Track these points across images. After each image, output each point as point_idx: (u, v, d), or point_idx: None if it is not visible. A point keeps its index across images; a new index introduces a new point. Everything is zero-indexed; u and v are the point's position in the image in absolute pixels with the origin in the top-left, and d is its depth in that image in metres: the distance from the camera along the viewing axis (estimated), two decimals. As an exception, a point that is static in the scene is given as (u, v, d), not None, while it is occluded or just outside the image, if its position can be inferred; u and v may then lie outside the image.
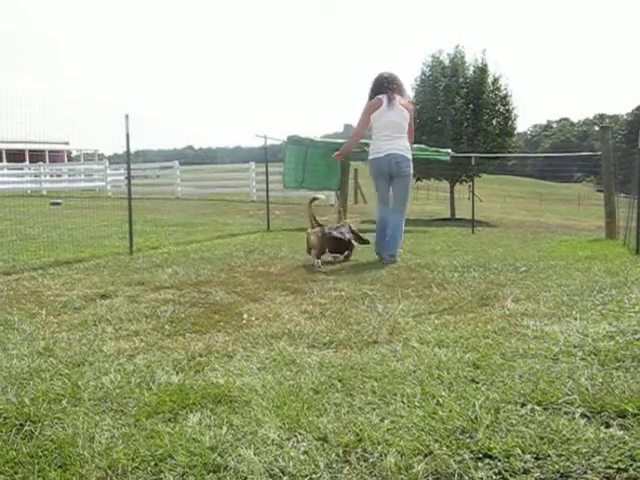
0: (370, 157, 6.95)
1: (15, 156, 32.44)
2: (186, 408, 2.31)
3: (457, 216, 21.69)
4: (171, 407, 2.32)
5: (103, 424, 2.18)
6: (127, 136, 7.86)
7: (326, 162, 13.40)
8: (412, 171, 6.84)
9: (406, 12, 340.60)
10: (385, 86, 6.81)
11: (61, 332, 3.56)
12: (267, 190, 13.07)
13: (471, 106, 23.23)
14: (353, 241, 6.90)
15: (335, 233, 6.71)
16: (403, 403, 2.27)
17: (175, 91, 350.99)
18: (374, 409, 2.24)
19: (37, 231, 10.11)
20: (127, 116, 7.79)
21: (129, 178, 8.43)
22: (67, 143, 35.33)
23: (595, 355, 2.80)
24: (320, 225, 6.90)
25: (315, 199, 7.41)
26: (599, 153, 12.59)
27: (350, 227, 7.04)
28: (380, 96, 6.77)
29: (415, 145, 12.56)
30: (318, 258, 6.33)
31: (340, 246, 6.78)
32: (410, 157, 6.75)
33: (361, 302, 4.25)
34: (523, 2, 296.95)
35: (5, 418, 2.25)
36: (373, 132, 6.92)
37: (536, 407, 2.20)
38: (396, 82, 6.88)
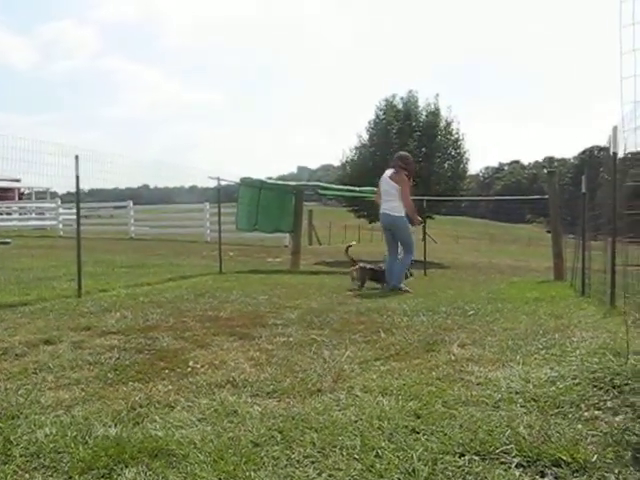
0: None
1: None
2: (122, 463, 2.25)
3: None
4: (106, 462, 2.26)
5: (33, 482, 2.12)
6: (77, 177, 7.75)
7: (279, 204, 13.48)
8: (400, 223, 8.79)
9: (356, 61, 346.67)
10: (391, 163, 9.10)
11: (-2, 382, 3.46)
12: (219, 232, 13.01)
13: (424, 149, 23.63)
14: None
15: (371, 266, 9.12)
16: (342, 456, 2.25)
17: (130, 128, 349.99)
18: (312, 462, 2.22)
19: (-19, 273, 9.87)
20: (77, 157, 7.69)
21: (78, 218, 8.31)
22: (18, 180, 34.79)
23: (535, 402, 2.83)
24: (356, 262, 9.11)
25: (350, 246, 9.88)
26: (547, 196, 12.88)
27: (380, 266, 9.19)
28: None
29: (368, 188, 12.78)
30: (362, 285, 8.73)
31: (376, 275, 8.97)
32: (393, 213, 8.75)
33: (308, 348, 4.23)
34: (475, 45, 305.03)
35: None
36: None
37: (474, 457, 2.21)
38: (397, 159, 8.94)
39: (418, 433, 2.46)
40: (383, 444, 2.34)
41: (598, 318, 5.26)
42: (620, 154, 5.82)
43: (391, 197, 8.75)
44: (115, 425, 2.68)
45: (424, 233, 15.82)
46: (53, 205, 27.39)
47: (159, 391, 3.25)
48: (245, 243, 20.08)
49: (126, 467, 2.22)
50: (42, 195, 33.34)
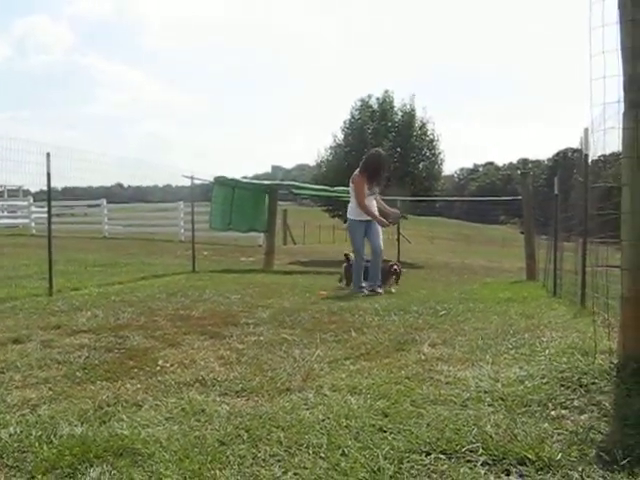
0: None
1: None
2: (86, 462, 2.22)
3: (384, 258, 21.89)
4: (70, 462, 2.22)
5: (-6, 482, 2.08)
6: (48, 175, 7.70)
7: (253, 203, 13.44)
8: (349, 225, 8.82)
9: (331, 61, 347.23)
10: None
11: (-36, 382, 3.40)
12: (193, 231, 12.93)
13: (399, 150, 23.72)
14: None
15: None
16: (308, 454, 2.24)
17: (105, 126, 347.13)
18: (278, 461, 2.21)
19: (-50, 271, 9.73)
20: (48, 154, 7.65)
21: (49, 217, 8.25)
22: (-11, 178, 34.21)
23: (503, 401, 2.84)
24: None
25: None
26: (520, 197, 13.00)
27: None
28: None
29: (341, 187, 12.80)
30: (348, 284, 8.85)
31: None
32: (348, 215, 8.81)
33: (278, 347, 4.22)
34: (453, 47, 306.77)
35: None
36: None
37: (440, 456, 2.21)
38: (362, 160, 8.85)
39: (385, 432, 2.45)
40: (350, 443, 2.33)
41: (568, 318, 5.30)
42: (592, 156, 5.87)
43: (352, 198, 8.73)
44: (81, 424, 2.65)
45: (398, 233, 15.88)
46: (25, 203, 26.98)
47: (127, 390, 3.22)
48: (219, 242, 19.99)
49: (91, 466, 2.19)
50: (14, 193, 32.85)
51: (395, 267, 9.19)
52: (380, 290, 8.40)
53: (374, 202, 8.68)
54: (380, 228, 8.74)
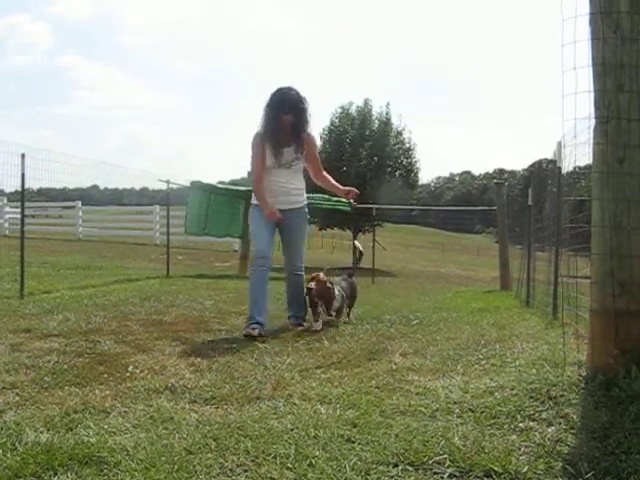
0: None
1: None
2: (51, 470, 2.18)
3: (359, 265, 21.94)
4: (34, 470, 2.18)
5: (-46, 492, 2.04)
6: (22, 176, 7.65)
7: (229, 209, 13.41)
8: (251, 213, 5.97)
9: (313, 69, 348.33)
10: None
11: None
12: (167, 234, 12.88)
13: (375, 158, 23.83)
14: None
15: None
16: (275, 464, 2.23)
17: (81, 127, 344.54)
18: (245, 471, 2.19)
19: None
20: (23, 155, 7.59)
21: (22, 218, 8.19)
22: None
23: (472, 412, 2.84)
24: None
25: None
26: (495, 207, 13.11)
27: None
28: None
29: (318, 195, 12.78)
30: None
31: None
32: (253, 199, 5.67)
33: (250, 355, 4.20)
34: (428, 56, 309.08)
35: None
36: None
37: (408, 467, 2.21)
38: None
39: (353, 442, 2.45)
40: (317, 453, 2.32)
41: (540, 329, 5.34)
42: (565, 168, 5.94)
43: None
44: (47, 431, 2.60)
45: (373, 240, 15.92)
46: (-1, 204, 26.74)
47: (96, 396, 3.18)
48: (194, 247, 19.92)
49: (55, 474, 2.16)
50: (-13, 194, 32.48)
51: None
52: (306, 324, 5.59)
53: (286, 179, 5.54)
54: (303, 228, 5.82)
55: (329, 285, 5.57)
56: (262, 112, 5.42)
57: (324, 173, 5.85)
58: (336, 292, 5.62)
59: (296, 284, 5.67)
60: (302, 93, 5.41)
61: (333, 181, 5.92)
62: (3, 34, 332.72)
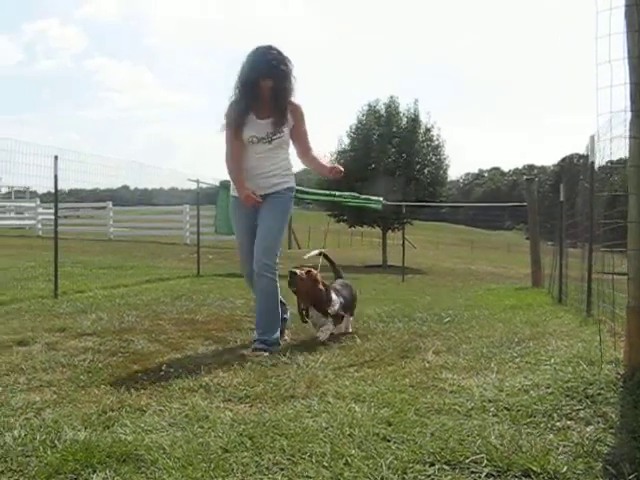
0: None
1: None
2: (89, 468, 2.20)
3: (389, 263, 21.92)
4: (74, 467, 2.21)
5: (-3, 487, 2.07)
6: (55, 177, 7.73)
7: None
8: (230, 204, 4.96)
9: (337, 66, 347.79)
10: None
11: (-32, 384, 3.40)
12: (198, 234, 12.95)
13: (404, 155, 23.74)
14: None
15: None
16: (311, 463, 2.22)
17: (111, 128, 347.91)
18: (281, 469, 2.19)
19: (-44, 272, 9.75)
20: (56, 157, 7.69)
21: (56, 219, 8.28)
22: None
23: (508, 410, 2.81)
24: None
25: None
26: (525, 203, 12.98)
27: None
28: None
29: (347, 193, 12.75)
30: None
31: None
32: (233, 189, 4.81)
33: (282, 353, 4.19)
34: (457, 53, 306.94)
35: None
36: None
37: (444, 466, 2.19)
38: None
39: (389, 441, 2.43)
40: (353, 452, 2.31)
41: (574, 326, 5.27)
42: (598, 163, 5.86)
43: None
44: (85, 429, 2.63)
45: (403, 239, 15.85)
46: (32, 204, 26.98)
47: (131, 394, 3.20)
48: (224, 246, 19.96)
49: (94, 472, 2.17)
50: (21, 195, 32.87)
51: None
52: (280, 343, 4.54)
53: (265, 156, 4.58)
54: (279, 216, 4.64)
55: (320, 284, 4.74)
56: (236, 76, 4.52)
57: (313, 153, 4.75)
58: (333, 297, 4.81)
59: (261, 290, 4.56)
60: (285, 53, 4.48)
61: (321, 161, 4.86)
62: (32, 39, 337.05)
